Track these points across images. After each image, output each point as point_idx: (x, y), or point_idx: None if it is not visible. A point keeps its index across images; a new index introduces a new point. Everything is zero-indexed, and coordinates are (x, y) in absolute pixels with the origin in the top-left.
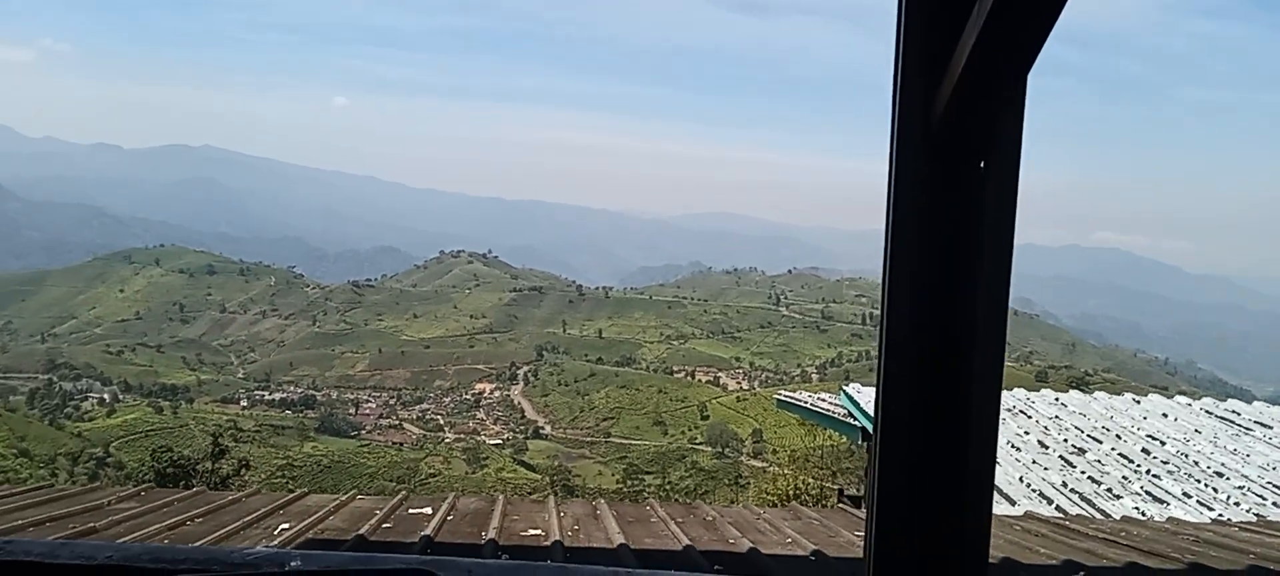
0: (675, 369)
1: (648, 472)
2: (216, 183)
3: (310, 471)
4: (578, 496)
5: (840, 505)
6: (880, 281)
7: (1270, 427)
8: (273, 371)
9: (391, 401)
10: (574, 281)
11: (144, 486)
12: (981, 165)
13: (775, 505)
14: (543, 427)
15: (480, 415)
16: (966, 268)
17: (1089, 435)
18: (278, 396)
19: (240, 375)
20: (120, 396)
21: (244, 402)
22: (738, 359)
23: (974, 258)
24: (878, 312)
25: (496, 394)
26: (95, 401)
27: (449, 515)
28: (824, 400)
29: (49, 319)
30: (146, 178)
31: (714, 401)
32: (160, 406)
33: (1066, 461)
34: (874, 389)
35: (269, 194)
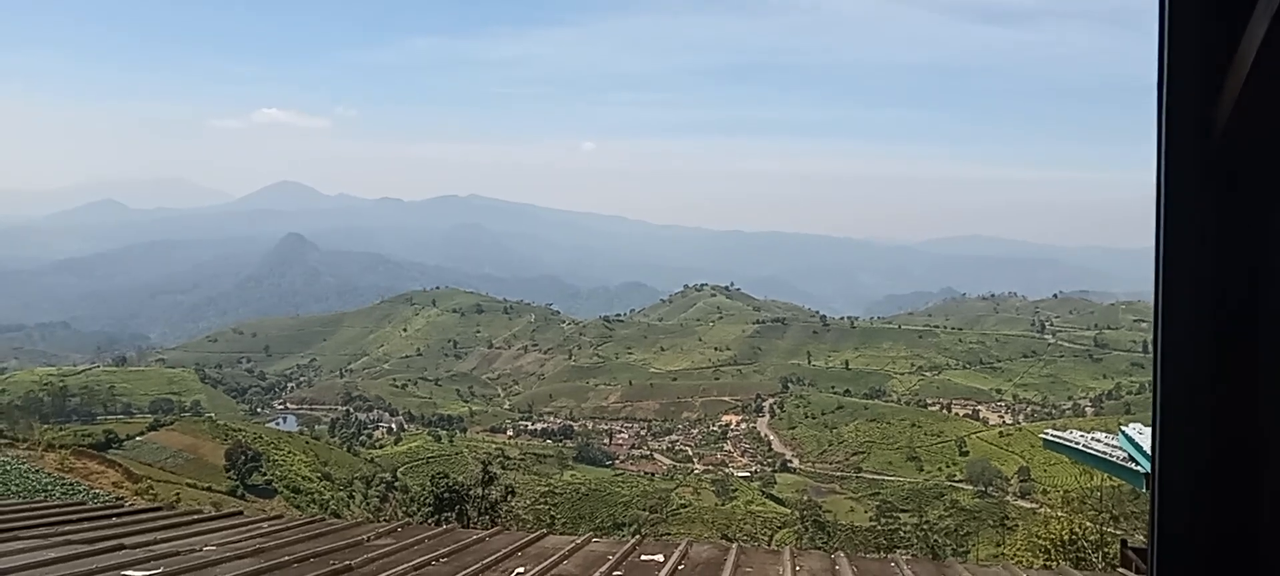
0: (929, 401)
1: (903, 510)
2: (482, 228)
3: (569, 499)
4: (827, 532)
5: (1120, 572)
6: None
7: None
8: (534, 403)
9: (642, 432)
10: (817, 311)
11: (402, 522)
12: None
13: (1047, 552)
14: (790, 461)
15: (727, 447)
16: (1266, 307)
17: None
18: (539, 426)
19: (506, 406)
20: (405, 425)
21: (510, 432)
22: (999, 391)
23: (1277, 295)
24: None
25: (743, 426)
26: (385, 430)
27: (681, 564)
28: (1099, 440)
29: (345, 355)
30: (423, 226)
31: (974, 436)
32: (438, 435)
33: None
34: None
35: (527, 236)
